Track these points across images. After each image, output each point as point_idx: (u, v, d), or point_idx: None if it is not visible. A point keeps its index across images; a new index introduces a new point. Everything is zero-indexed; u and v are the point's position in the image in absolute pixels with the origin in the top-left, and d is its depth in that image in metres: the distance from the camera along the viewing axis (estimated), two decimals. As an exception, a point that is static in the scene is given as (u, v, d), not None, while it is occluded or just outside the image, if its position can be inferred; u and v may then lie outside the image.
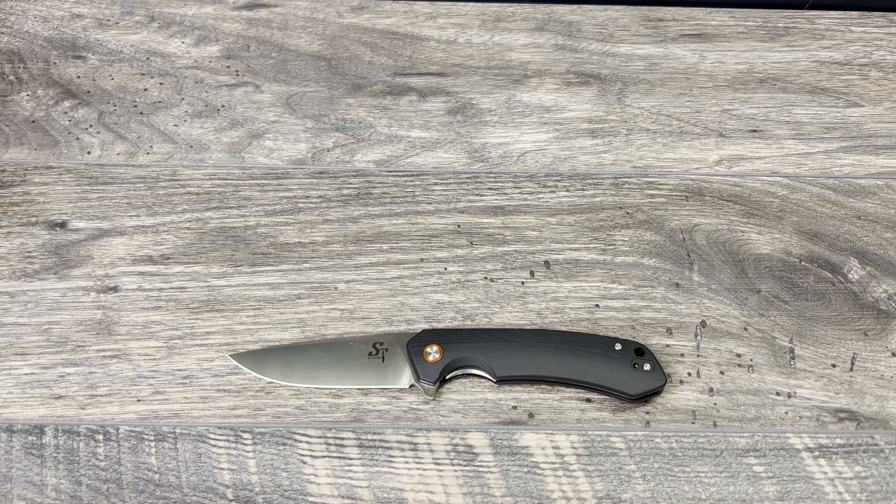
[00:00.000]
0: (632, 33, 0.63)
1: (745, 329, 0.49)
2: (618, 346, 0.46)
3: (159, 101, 0.58)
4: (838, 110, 0.59)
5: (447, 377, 0.46)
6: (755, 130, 0.57)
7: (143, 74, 0.59)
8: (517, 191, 0.54)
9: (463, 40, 0.62)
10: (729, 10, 0.64)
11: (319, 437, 0.45)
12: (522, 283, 0.50)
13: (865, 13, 0.64)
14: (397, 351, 0.46)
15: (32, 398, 0.46)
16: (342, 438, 0.45)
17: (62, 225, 0.52)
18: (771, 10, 0.64)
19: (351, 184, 0.54)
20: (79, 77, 0.59)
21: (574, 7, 0.64)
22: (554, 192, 0.54)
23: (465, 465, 0.44)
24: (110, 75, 0.59)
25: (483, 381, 0.47)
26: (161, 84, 0.59)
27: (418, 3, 0.64)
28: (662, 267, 0.51)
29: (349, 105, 0.58)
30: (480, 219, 0.53)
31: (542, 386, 0.47)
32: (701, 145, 0.57)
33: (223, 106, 0.58)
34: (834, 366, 0.48)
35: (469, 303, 0.49)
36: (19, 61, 0.60)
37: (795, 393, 0.47)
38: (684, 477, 0.44)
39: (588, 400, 0.46)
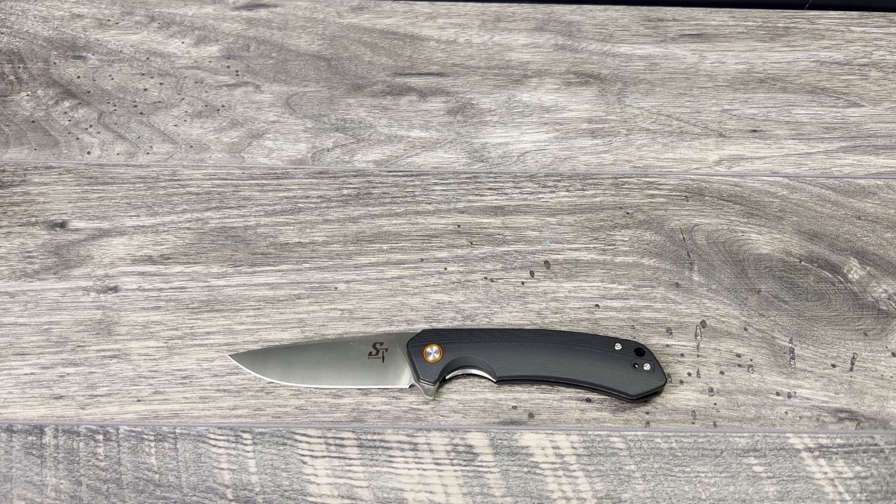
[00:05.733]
0: (632, 33, 0.63)
1: (745, 329, 0.49)
2: (618, 347, 0.46)
3: (159, 101, 0.58)
4: (838, 110, 0.59)
5: (447, 377, 0.46)
6: (755, 130, 0.57)
7: (143, 74, 0.59)
8: (517, 191, 0.54)
9: (463, 40, 0.62)
10: (729, 10, 0.64)
11: (319, 437, 0.45)
12: (522, 283, 0.50)
13: (865, 13, 0.64)
14: (397, 351, 0.46)
15: (32, 398, 0.46)
16: (342, 438, 0.45)
17: (62, 225, 0.52)
18: (771, 10, 0.64)
19: (351, 184, 0.54)
20: (79, 77, 0.59)
21: (574, 7, 0.64)
22: (554, 192, 0.54)
23: (465, 465, 0.44)
24: (110, 75, 0.59)
25: (483, 381, 0.47)
26: (161, 84, 0.59)
27: (418, 3, 0.64)
28: (662, 267, 0.51)
29: (349, 105, 0.58)
30: (480, 219, 0.53)
31: (542, 386, 0.47)
32: (701, 145, 0.57)
33: (223, 106, 0.58)
34: (834, 366, 0.48)
35: (469, 303, 0.49)
36: (19, 61, 0.60)
37: (795, 393, 0.47)
38: (684, 477, 0.44)
39: (588, 400, 0.46)
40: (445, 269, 0.51)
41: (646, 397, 0.46)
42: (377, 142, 0.56)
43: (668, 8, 0.64)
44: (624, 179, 0.55)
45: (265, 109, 0.58)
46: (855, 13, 0.64)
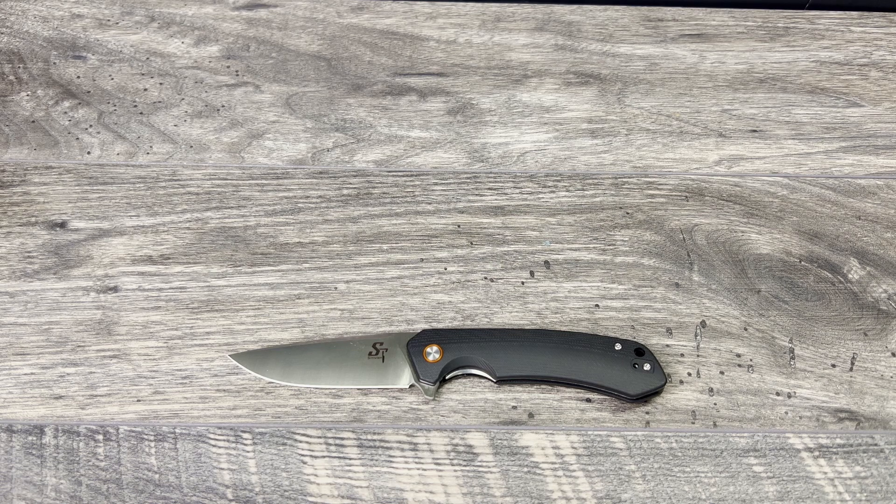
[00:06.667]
0: (632, 33, 0.63)
1: (745, 329, 0.49)
2: (618, 346, 0.46)
3: (159, 101, 0.58)
4: (838, 110, 0.59)
5: (447, 377, 0.46)
6: (755, 130, 0.57)
7: (143, 74, 0.59)
8: (517, 191, 0.54)
9: (463, 40, 0.62)
10: (729, 10, 0.64)
11: (319, 437, 0.45)
12: (522, 283, 0.50)
13: (865, 13, 0.64)
14: (397, 351, 0.46)
15: (32, 398, 0.46)
16: (342, 438, 0.45)
17: (62, 225, 0.52)
18: (771, 10, 0.64)
19: (351, 184, 0.54)
20: (79, 77, 0.59)
21: (574, 7, 0.64)
22: (554, 192, 0.54)
23: (465, 465, 0.44)
24: (110, 75, 0.59)
25: (483, 381, 0.47)
26: (161, 84, 0.59)
27: (418, 3, 0.64)
28: (662, 267, 0.51)
29: (349, 105, 0.58)
30: (480, 219, 0.53)
31: (542, 386, 0.47)
32: (701, 145, 0.57)
33: (223, 106, 0.58)
34: (834, 366, 0.48)
35: (469, 303, 0.49)
36: (19, 61, 0.60)
37: (795, 393, 0.47)
38: (684, 477, 0.44)
39: (588, 400, 0.46)
40: (445, 269, 0.51)
41: (646, 397, 0.46)
42: (377, 142, 0.56)
43: (668, 8, 0.64)
44: (624, 179, 0.55)
45: (265, 109, 0.58)
46: (855, 13, 0.64)
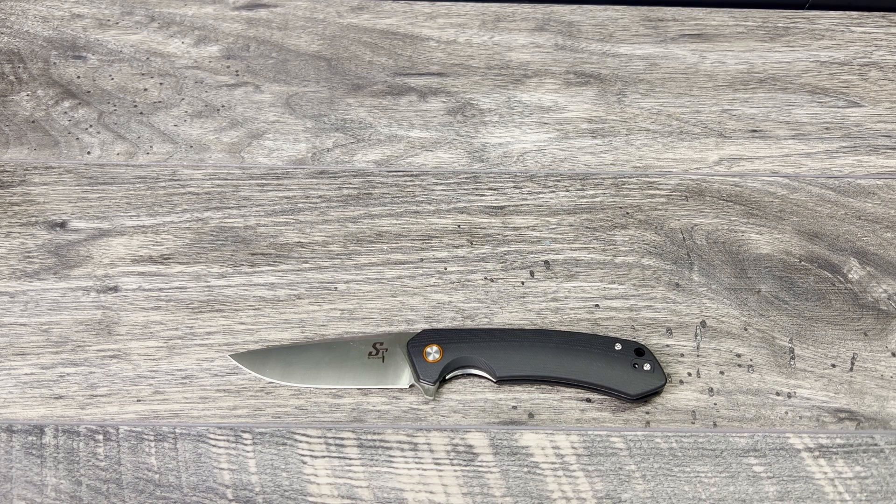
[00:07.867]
0: (632, 33, 0.63)
1: (745, 329, 0.49)
2: (618, 346, 0.46)
3: (159, 101, 0.58)
4: (838, 110, 0.59)
5: (447, 377, 0.46)
6: (755, 130, 0.57)
7: (143, 74, 0.59)
8: (517, 191, 0.54)
9: (463, 40, 0.62)
10: (729, 10, 0.64)
11: (319, 437, 0.45)
12: (522, 283, 0.50)
13: (865, 13, 0.64)
14: (397, 351, 0.46)
15: (32, 398, 0.46)
16: (342, 438, 0.45)
17: (62, 225, 0.52)
18: (771, 10, 0.64)
19: (351, 184, 0.54)
20: (79, 77, 0.59)
21: (574, 7, 0.64)
22: (554, 192, 0.54)
23: (465, 465, 0.44)
24: (110, 75, 0.59)
25: (483, 381, 0.47)
26: (161, 84, 0.59)
27: (418, 3, 0.64)
28: (662, 267, 0.51)
29: (349, 105, 0.58)
30: (480, 219, 0.53)
31: (542, 386, 0.47)
32: (701, 145, 0.57)
33: (223, 106, 0.58)
34: (834, 366, 0.48)
35: (469, 303, 0.49)
36: (19, 61, 0.60)
37: (795, 393, 0.47)
38: (684, 477, 0.44)
39: (588, 400, 0.46)
40: (445, 269, 0.51)
41: (646, 397, 0.46)
42: (377, 142, 0.56)
43: (668, 8, 0.64)
44: (624, 179, 0.55)
45: (265, 109, 0.58)
46: (855, 13, 0.64)
